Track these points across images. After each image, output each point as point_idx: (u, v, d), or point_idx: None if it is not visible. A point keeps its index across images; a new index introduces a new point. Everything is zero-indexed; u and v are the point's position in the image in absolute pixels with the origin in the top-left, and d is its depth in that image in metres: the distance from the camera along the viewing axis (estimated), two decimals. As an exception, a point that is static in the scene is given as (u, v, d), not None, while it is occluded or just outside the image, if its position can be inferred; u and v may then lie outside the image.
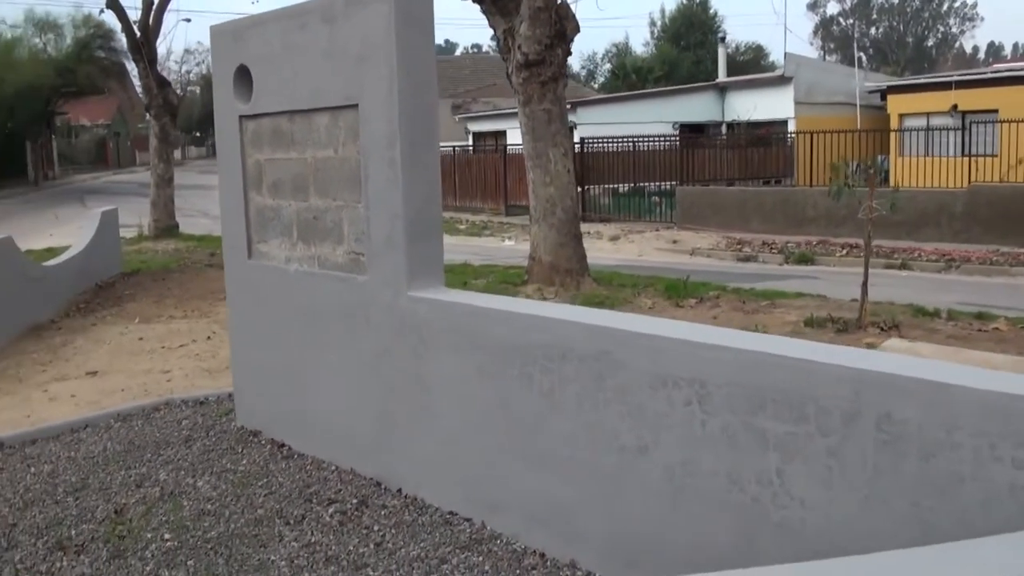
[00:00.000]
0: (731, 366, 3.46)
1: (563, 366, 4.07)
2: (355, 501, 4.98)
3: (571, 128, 31.84)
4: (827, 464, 3.25)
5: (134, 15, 21.27)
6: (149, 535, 4.71)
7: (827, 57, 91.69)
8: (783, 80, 32.14)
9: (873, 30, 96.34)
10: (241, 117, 5.98)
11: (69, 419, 6.78)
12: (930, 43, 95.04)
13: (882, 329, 9.91)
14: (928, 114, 27.09)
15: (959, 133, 24.35)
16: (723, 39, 41.33)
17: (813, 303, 11.59)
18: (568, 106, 33.39)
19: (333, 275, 5.36)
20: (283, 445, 5.93)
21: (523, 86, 11.82)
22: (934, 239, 19.77)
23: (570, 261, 12.02)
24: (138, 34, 20.55)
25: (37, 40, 44.76)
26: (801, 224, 22.27)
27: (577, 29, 12.10)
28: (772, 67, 54.27)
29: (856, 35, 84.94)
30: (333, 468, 5.48)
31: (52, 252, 15.48)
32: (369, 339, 5.12)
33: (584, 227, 24.85)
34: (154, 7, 20.43)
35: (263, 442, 6.05)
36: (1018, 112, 22.77)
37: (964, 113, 25.85)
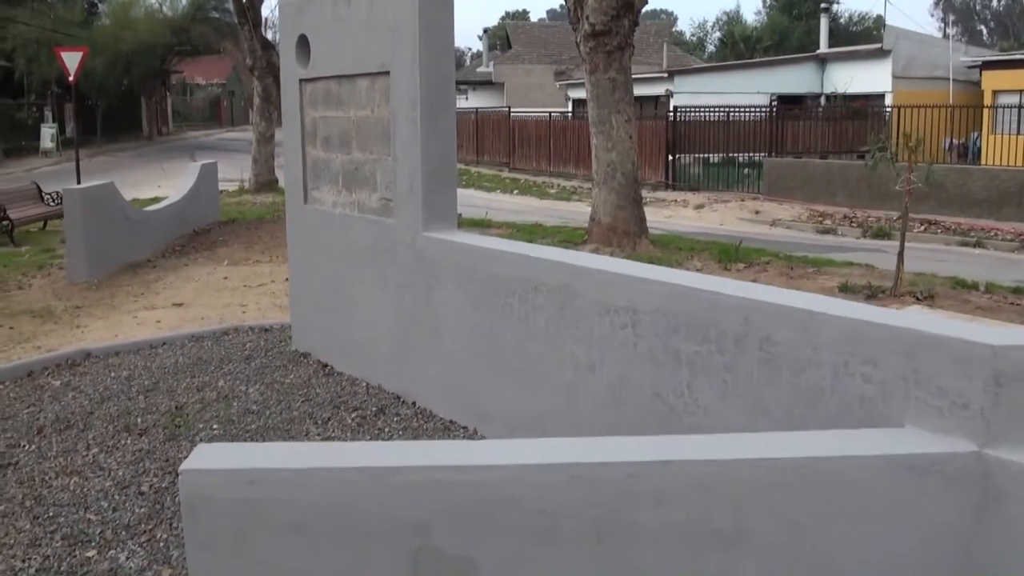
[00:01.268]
0: (656, 296, 4.19)
1: (535, 297, 4.84)
2: (374, 409, 5.85)
3: (668, 96, 32.30)
4: (723, 378, 3.96)
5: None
6: (201, 425, 5.66)
7: (947, 30, 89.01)
8: (882, 53, 31.80)
9: (995, 2, 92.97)
10: (301, 80, 6.84)
11: (149, 337, 7.82)
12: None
13: (917, 299, 10.34)
14: (1021, 92, 26.64)
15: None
16: (826, 9, 40.79)
17: (858, 271, 12.03)
18: (665, 74, 33.76)
19: (368, 218, 6.21)
20: (326, 365, 6.83)
21: (590, 55, 12.48)
22: (1015, 219, 19.61)
23: (628, 223, 12.68)
24: (244, -1, 21.74)
25: (153, 0, 46.89)
26: (885, 199, 22.22)
27: (644, 0, 12.67)
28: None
29: (977, 7, 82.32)
30: (363, 384, 6.36)
31: (157, 201, 16.74)
32: (394, 274, 5.96)
33: (671, 195, 25.53)
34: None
35: (311, 362, 6.96)
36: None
37: (1058, 91, 25.43)
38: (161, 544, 4.24)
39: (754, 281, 11.08)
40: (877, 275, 11.75)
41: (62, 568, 4.04)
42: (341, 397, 6.15)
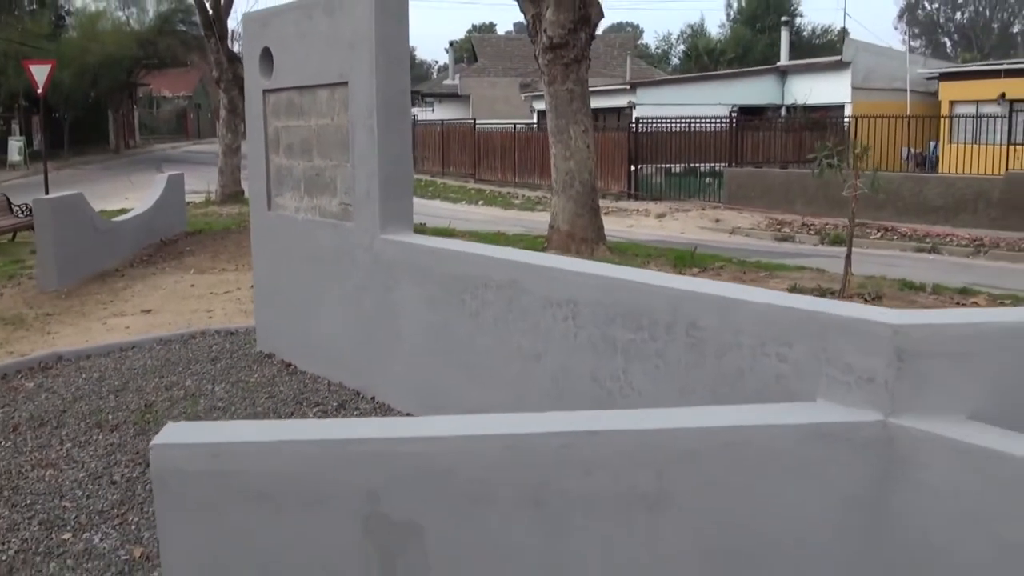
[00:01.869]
0: (594, 289, 4.51)
1: (486, 293, 5.15)
2: (335, 404, 6.14)
3: (631, 108, 32.79)
4: (655, 363, 4.28)
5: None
6: (169, 421, 5.90)
7: (911, 43, 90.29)
8: (841, 65, 32.46)
9: (958, 15, 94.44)
10: (264, 91, 7.13)
11: (118, 340, 8.06)
12: (1015, 29, 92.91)
13: (865, 300, 10.72)
14: (977, 102, 27.35)
15: (1005, 121, 24.66)
16: (787, 22, 41.53)
17: (809, 275, 12.45)
18: (627, 87, 34.21)
19: (329, 222, 6.50)
20: (290, 364, 7.10)
21: (548, 67, 12.84)
22: (971, 225, 20.15)
23: (586, 230, 13.03)
24: (210, 11, 21.94)
25: (120, 13, 46.89)
26: (843, 207, 22.55)
27: (601, 15, 13.07)
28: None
29: (941, 20, 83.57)
30: (325, 382, 6.64)
31: (125, 212, 16.90)
32: (354, 275, 6.25)
33: (634, 205, 25.96)
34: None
35: (275, 362, 7.23)
36: (1066, 101, 23.07)
37: (1012, 102, 26.10)
38: (133, 527, 4.50)
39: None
40: (827, 278, 12.17)
41: (40, 549, 4.29)
42: (304, 394, 6.43)
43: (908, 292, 11.53)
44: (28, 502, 4.80)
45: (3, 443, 5.68)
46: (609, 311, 4.45)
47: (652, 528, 3.40)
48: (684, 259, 13.00)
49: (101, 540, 4.37)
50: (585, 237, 13.02)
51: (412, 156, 6.09)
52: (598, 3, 12.94)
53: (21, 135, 36.92)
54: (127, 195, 23.35)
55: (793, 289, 11.00)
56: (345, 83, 6.10)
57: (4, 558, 4.22)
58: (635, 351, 4.36)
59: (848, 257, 11.15)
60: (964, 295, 11.30)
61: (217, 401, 6.32)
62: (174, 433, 3.40)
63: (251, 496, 3.26)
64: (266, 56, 7.03)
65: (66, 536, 4.41)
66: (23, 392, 6.72)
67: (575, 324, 4.62)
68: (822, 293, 10.77)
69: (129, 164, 40.35)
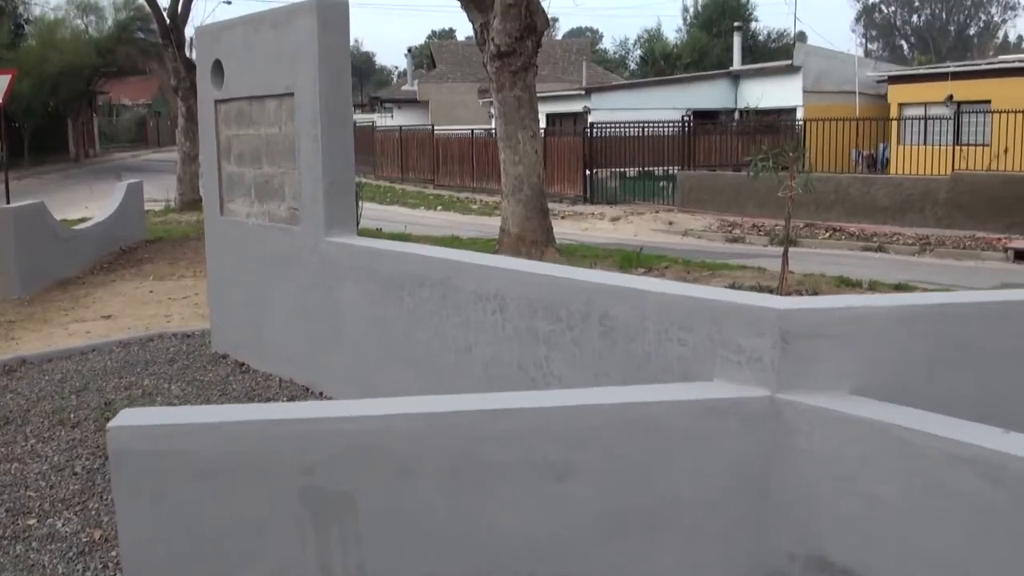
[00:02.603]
0: (518, 284, 4.90)
1: (421, 290, 5.53)
2: (285, 399, 6.49)
3: (585, 113, 33.28)
4: (573, 352, 4.68)
5: (165, 2, 22.92)
6: (126, 416, 6.24)
7: (869, 45, 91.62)
8: (792, 69, 33.15)
9: (915, 18, 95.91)
10: (216, 101, 7.47)
11: (79, 344, 8.36)
12: (972, 32, 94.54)
13: (802, 295, 11.22)
14: (926, 104, 28.09)
15: (953, 123, 25.37)
16: (739, 28, 42.22)
17: (750, 274, 12.94)
18: (582, 92, 34.68)
19: (278, 226, 6.85)
20: (243, 364, 7.44)
21: (496, 75, 13.24)
22: (918, 224, 20.68)
23: (535, 233, 13.43)
24: (167, 20, 22.17)
25: (79, 22, 46.86)
26: (793, 208, 23.32)
27: (547, 23, 13.49)
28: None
29: (898, 23, 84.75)
30: (277, 379, 7.00)
31: (85, 221, 17.11)
32: (301, 276, 6.61)
33: (589, 208, 26.42)
34: (182, -4, 22.08)
35: (229, 362, 7.57)
36: (1010, 103, 23.72)
37: (959, 103, 26.84)
38: (93, 512, 4.84)
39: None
40: (767, 276, 12.65)
41: (6, 534, 4.63)
42: (255, 390, 6.78)
43: (845, 288, 12.03)
44: (-6, 493, 5.13)
45: (-31, 441, 5.99)
46: (532, 304, 4.84)
47: (560, 495, 3.78)
48: (630, 260, 13.44)
49: (63, 525, 4.70)
50: (535, 240, 13.42)
51: (354, 162, 6.45)
52: (544, 12, 13.36)
53: (-20, 146, 36.79)
54: (87, 204, 23.47)
55: (732, 287, 11.46)
56: (291, 94, 6.46)
57: (-27, 541, 4.55)
58: (555, 340, 4.76)
59: (785, 255, 11.63)
60: (899, 290, 11.81)
61: (173, 399, 6.65)
62: (129, 417, 3.75)
63: (197, 473, 3.61)
64: (217, 68, 7.36)
65: (31, 522, 4.75)
66: (-12, 394, 7.01)
67: (502, 317, 5.01)
68: (760, 290, 11.23)
69: (89, 173, 40.33)
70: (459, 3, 13.70)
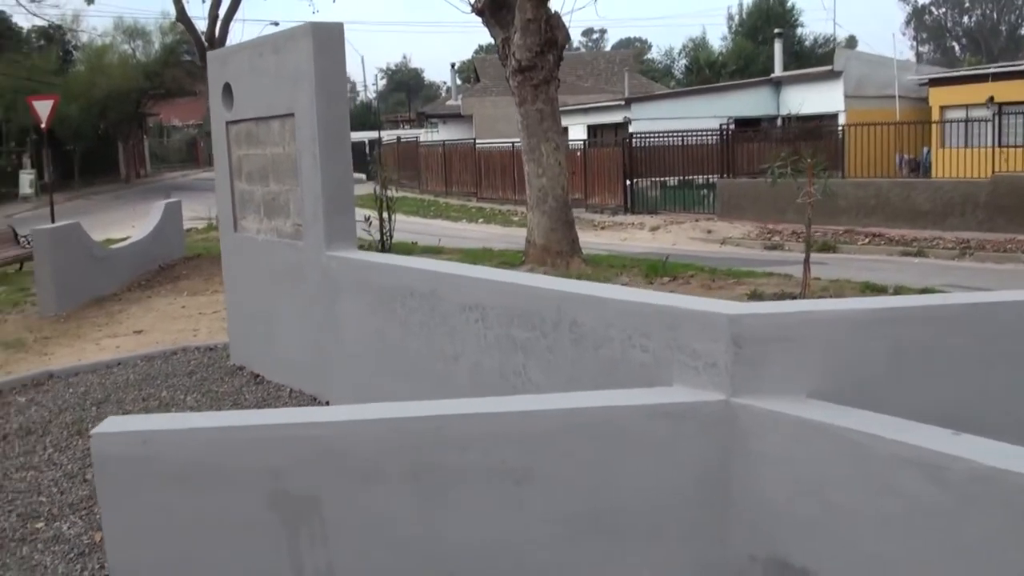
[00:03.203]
0: (497, 294, 5.07)
1: (411, 301, 5.72)
2: (291, 408, 6.70)
3: (626, 123, 33.37)
4: (547, 358, 4.83)
5: (204, 26, 23.47)
6: (138, 427, 6.50)
7: (920, 48, 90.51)
8: (833, 74, 32.93)
9: (966, 19, 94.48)
10: (227, 122, 7.75)
11: (105, 358, 8.68)
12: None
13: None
14: (967, 106, 27.77)
15: (994, 124, 25.06)
16: (780, 34, 42.03)
17: (775, 281, 12.94)
18: (623, 102, 34.76)
19: (284, 242, 7.09)
20: (258, 375, 7.69)
21: (518, 89, 13.45)
22: (959, 228, 20.37)
23: (561, 244, 13.59)
24: (206, 44, 22.69)
25: (126, 46, 48.03)
26: (833, 214, 23.15)
27: (568, 38, 13.67)
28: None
29: (948, 24, 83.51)
30: (287, 390, 7.23)
31: (126, 240, 17.60)
32: (306, 289, 6.84)
33: (629, 219, 26.49)
34: (219, 20, 22.56)
35: (245, 374, 7.83)
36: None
37: (1001, 105, 26.50)
38: (97, 517, 5.08)
39: (672, 292, 11.97)
40: (793, 283, 12.65)
41: (15, 536, 4.91)
42: (266, 401, 7.02)
43: (869, 293, 12.01)
44: (9, 498, 5.42)
45: (-8, 450, 6.30)
46: (509, 313, 5.00)
47: (519, 498, 3.93)
48: (656, 269, 13.52)
49: (69, 528, 4.96)
50: (560, 250, 13.58)
51: (352, 179, 6.68)
52: (564, 26, 13.54)
53: (32, 168, 37.91)
54: (134, 223, 24.01)
55: (753, 294, 11.53)
56: (292, 114, 6.70)
57: (-19, 545, 4.83)
58: (531, 348, 4.91)
59: (807, 261, 11.64)
60: (922, 294, 11.76)
61: (187, 409, 6.91)
62: (112, 424, 3.98)
63: (172, 477, 3.82)
64: (227, 91, 7.64)
65: (39, 525, 5.02)
66: (15, 406, 7.34)
67: (484, 326, 5.18)
68: (782, 297, 11.28)
69: (139, 193, 41.23)
70: (481, 20, 13.94)
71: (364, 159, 40.84)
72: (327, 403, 6.75)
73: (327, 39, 6.39)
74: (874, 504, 3.50)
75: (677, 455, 4.00)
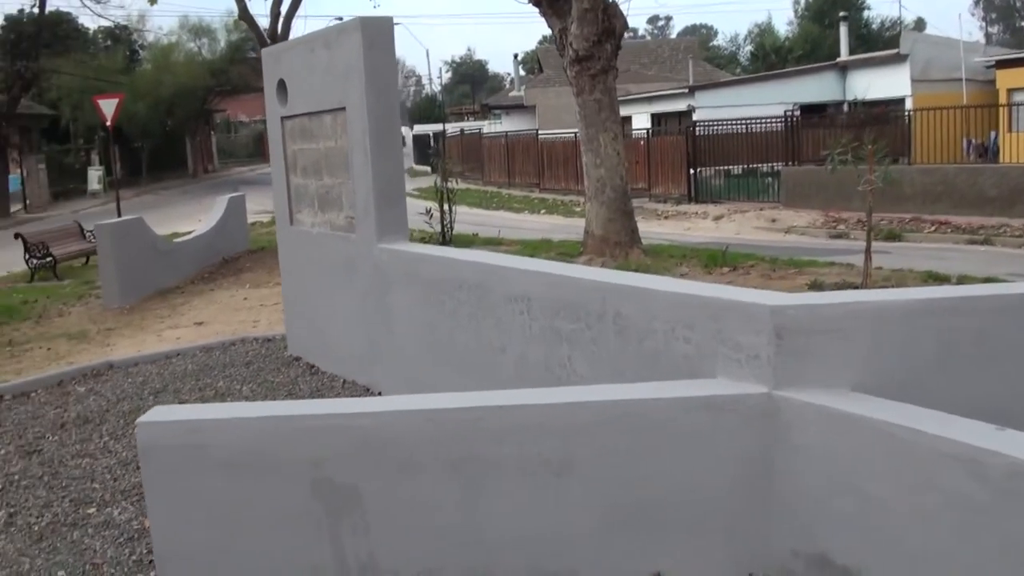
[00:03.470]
0: (543, 285, 5.07)
1: (460, 293, 5.74)
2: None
3: (690, 111, 33.08)
4: (592, 350, 4.82)
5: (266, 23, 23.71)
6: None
7: (989, 29, 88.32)
8: (899, 58, 32.24)
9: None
10: (282, 118, 7.84)
11: (165, 349, 8.86)
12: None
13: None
14: (1036, 88, 27.04)
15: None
16: (845, 17, 41.25)
17: (837, 271, 12.74)
18: (686, 90, 34.45)
19: (337, 235, 7.17)
20: (313, 366, 7.78)
21: (576, 79, 13.39)
22: (1029, 215, 19.97)
23: (619, 234, 13.52)
24: (268, 42, 22.91)
25: (192, 45, 48.82)
26: (899, 202, 22.68)
27: (626, 26, 13.58)
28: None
29: (1018, 4, 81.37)
30: (341, 380, 7.31)
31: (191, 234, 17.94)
32: (359, 282, 6.90)
33: (693, 208, 26.28)
34: (281, 17, 22.81)
35: (301, 365, 7.93)
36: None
37: (1074, 86, 25.75)
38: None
39: (728, 283, 11.85)
40: (854, 273, 12.44)
41: (67, 521, 5.05)
42: (320, 391, 7.10)
43: (931, 283, 11.76)
44: (63, 484, 5.57)
45: (51, 438, 6.47)
46: (554, 305, 5.00)
47: (558, 489, 3.93)
48: (715, 259, 13.39)
49: (120, 514, 5.08)
50: (619, 241, 13.52)
51: (403, 172, 6.72)
52: (622, 15, 13.44)
53: (100, 165, 38.78)
54: (200, 217, 24.44)
55: (813, 284, 11.36)
56: (343, 109, 6.76)
57: (37, 528, 4.98)
58: (576, 339, 4.91)
59: (868, 250, 11.42)
60: (975, 285, 11.49)
61: (242, 399, 7.02)
62: (158, 413, 4.07)
63: (217, 464, 3.89)
64: (281, 87, 7.74)
65: (91, 511, 5.15)
66: (75, 395, 7.53)
67: (529, 317, 5.18)
68: (843, 287, 11.09)
69: (206, 188, 41.95)
70: (538, 11, 13.90)
71: (428, 152, 40.93)
72: (379, 394, 6.81)
73: (377, 33, 6.43)
74: (915, 500, 3.44)
75: (718, 448, 3.96)
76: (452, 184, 17.07)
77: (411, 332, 6.36)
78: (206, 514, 3.96)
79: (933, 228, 20.15)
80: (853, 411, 3.71)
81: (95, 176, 38.15)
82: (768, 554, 4.00)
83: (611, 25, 13.19)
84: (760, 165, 28.63)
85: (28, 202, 33.94)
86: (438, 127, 52.13)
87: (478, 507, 3.92)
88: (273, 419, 3.91)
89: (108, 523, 4.97)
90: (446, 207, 15.28)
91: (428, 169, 33.78)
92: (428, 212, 14.99)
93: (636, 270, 12.49)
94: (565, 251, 15.07)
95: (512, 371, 5.39)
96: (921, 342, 4.07)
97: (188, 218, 24.74)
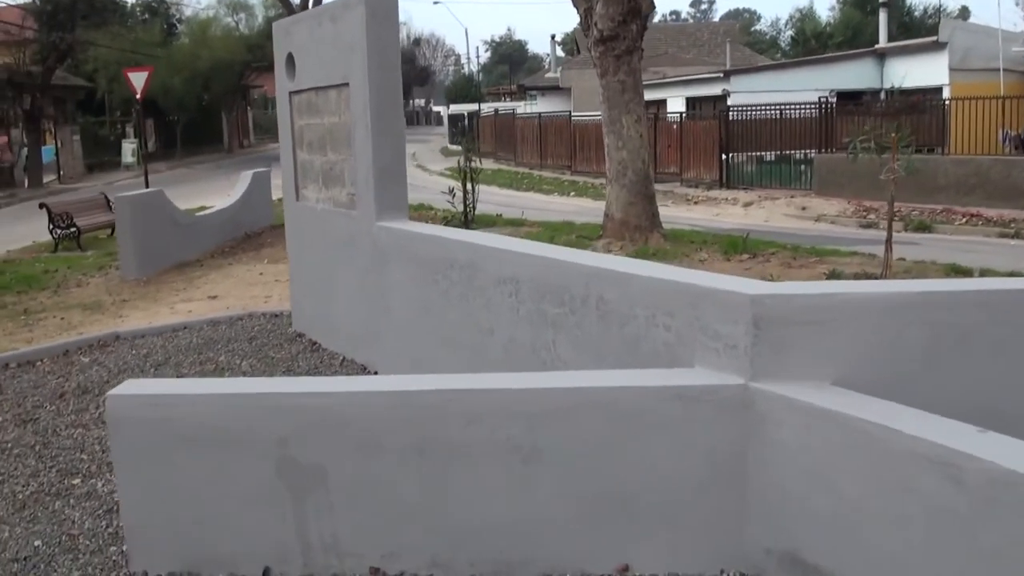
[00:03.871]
0: (530, 268, 5.00)
1: (452, 272, 5.69)
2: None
3: (725, 95, 32.71)
4: (576, 334, 4.75)
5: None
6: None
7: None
8: (938, 46, 31.61)
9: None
10: (290, 92, 7.81)
11: (172, 322, 8.89)
12: None
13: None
14: (1074, 79, 26.41)
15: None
16: (885, 4, 40.57)
17: (858, 260, 12.55)
18: (721, 74, 34.09)
19: (340, 211, 7.13)
20: (315, 343, 7.77)
21: (600, 59, 13.25)
22: (1065, 206, 19.62)
23: (640, 218, 13.39)
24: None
25: (229, 19, 48.90)
26: (932, 192, 22.32)
27: (652, 6, 13.41)
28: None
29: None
30: (340, 358, 7.28)
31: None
32: (359, 259, 6.87)
33: (724, 194, 26.03)
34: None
35: (304, 341, 7.91)
36: None
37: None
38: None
39: (746, 270, 11.70)
40: (875, 263, 12.24)
41: (51, 491, 5.06)
42: (318, 369, 7.08)
43: (953, 276, 11.55)
44: (53, 455, 5.58)
45: (48, 408, 6.50)
46: (541, 288, 4.94)
47: (527, 477, 3.87)
48: (736, 245, 13.23)
49: (103, 486, 5.08)
50: (639, 225, 13.39)
51: (405, 149, 6.66)
52: (649, -5, 13.28)
53: (135, 138, 39.07)
54: (229, 192, 24.57)
55: (832, 273, 11.19)
56: (347, 84, 6.71)
57: (21, 496, 5.00)
58: (561, 323, 4.84)
59: (888, 242, 11.25)
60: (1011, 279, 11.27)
61: (240, 374, 7.01)
62: (128, 387, 4.06)
63: (183, 439, 3.88)
64: (289, 61, 7.70)
65: (75, 481, 5.16)
66: (78, 366, 7.56)
67: (517, 300, 5.12)
68: (864, 277, 10.92)
69: (240, 163, 42.04)
70: (564, -11, 13.75)
71: (463, 131, 40.79)
72: (375, 372, 6.78)
73: (381, 8, 6.36)
74: (890, 503, 3.34)
75: (691, 440, 3.88)
76: (482, 165, 16.96)
77: (407, 311, 6.32)
78: (173, 489, 3.94)
79: (964, 220, 19.85)
80: (829, 406, 3.62)
81: (129, 149, 38.46)
82: (740, 550, 3.92)
83: (637, 5, 13.03)
84: (793, 152, 28.27)
85: (62, 173, 34.25)
86: (474, 107, 52.00)
87: (444, 492, 3.87)
88: (239, 396, 3.89)
89: (90, 494, 4.97)
90: (469, 187, 15.25)
91: (461, 149, 33.67)
92: (451, 191, 14.95)
93: (654, 255, 12.39)
94: (586, 234, 14.96)
95: (501, 353, 5.34)
96: (907, 337, 3.96)
97: (219, 193, 24.79)
